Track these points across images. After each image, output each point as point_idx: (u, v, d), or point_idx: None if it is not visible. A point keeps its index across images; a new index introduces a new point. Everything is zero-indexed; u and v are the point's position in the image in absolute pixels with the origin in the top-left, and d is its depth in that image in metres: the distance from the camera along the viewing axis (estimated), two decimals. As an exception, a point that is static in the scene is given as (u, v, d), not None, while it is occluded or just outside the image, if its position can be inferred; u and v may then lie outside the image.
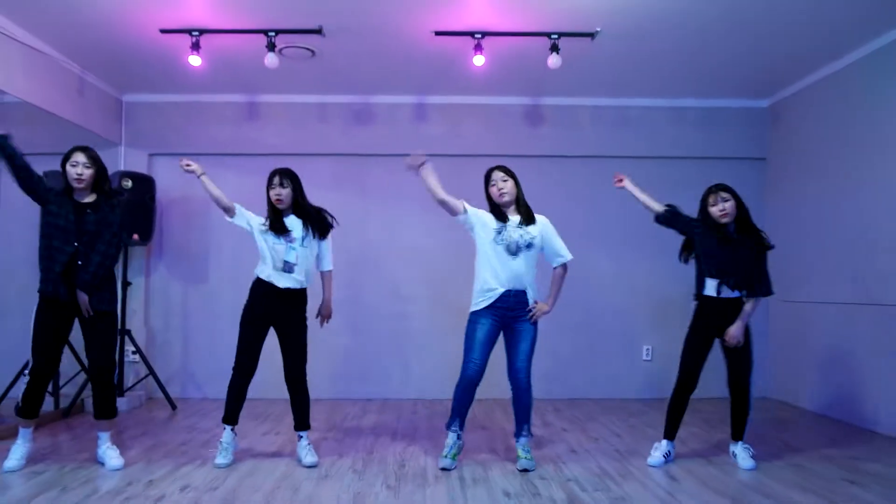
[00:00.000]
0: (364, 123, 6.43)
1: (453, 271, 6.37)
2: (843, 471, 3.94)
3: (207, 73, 5.76)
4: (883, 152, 5.04)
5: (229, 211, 4.18)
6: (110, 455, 3.92)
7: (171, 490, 3.49)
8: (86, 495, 3.39)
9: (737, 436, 4.14)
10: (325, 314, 4.29)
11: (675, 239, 6.27)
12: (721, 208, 4.06)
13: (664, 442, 4.17)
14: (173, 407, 5.79)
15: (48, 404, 5.42)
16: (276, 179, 4.10)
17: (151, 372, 5.84)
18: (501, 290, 3.93)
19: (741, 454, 4.08)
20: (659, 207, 4.43)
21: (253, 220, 4.16)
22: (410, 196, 6.41)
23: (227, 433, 4.07)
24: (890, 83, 4.98)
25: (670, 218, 4.37)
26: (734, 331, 3.98)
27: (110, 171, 5.92)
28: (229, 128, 6.42)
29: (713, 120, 6.50)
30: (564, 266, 4.12)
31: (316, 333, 4.30)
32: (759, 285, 4.02)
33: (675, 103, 6.48)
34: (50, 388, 5.49)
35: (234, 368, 4.09)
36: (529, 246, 3.95)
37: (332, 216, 4.26)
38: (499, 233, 3.97)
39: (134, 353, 6.02)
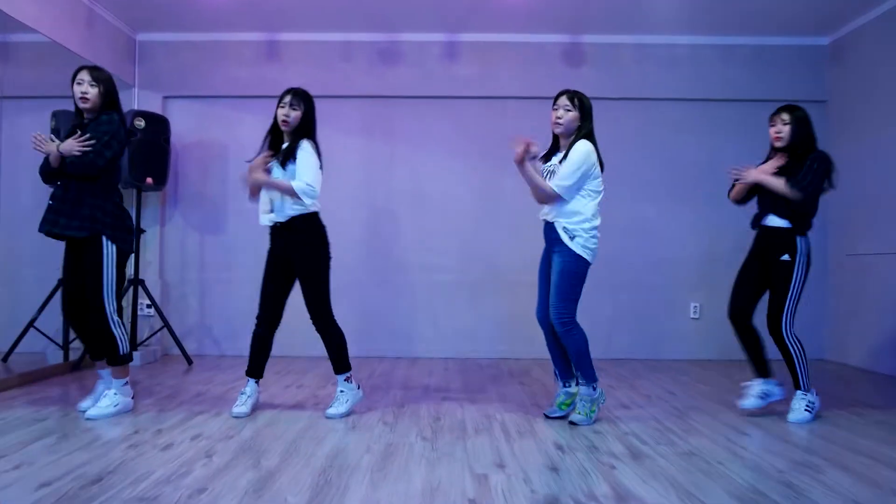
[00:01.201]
0: (391, 63, 5.96)
1: (485, 221, 5.95)
2: (935, 427, 3.47)
3: (225, 9, 5.35)
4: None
5: None
6: (103, 398, 3.55)
7: (182, 438, 3.10)
8: (87, 442, 3.01)
9: (794, 383, 3.69)
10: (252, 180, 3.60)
11: (724, 191, 5.80)
12: (777, 130, 3.69)
13: (756, 381, 3.75)
14: (189, 362, 5.42)
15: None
16: (288, 98, 3.60)
17: (166, 324, 5.46)
18: (543, 218, 3.58)
19: (792, 403, 3.65)
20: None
21: None
22: (440, 141, 5.99)
23: (249, 384, 3.69)
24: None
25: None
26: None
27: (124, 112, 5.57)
28: (249, 68, 5.98)
29: (768, 59, 5.95)
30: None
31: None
32: (797, 184, 3.54)
33: (725, 41, 5.94)
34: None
35: (255, 318, 3.70)
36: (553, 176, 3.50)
37: (313, 144, 3.62)
38: (544, 176, 3.56)
39: (148, 306, 5.66)
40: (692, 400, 4.15)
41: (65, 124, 5.17)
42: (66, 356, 5.12)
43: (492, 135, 5.97)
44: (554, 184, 3.41)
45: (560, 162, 3.48)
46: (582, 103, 3.54)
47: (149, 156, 5.36)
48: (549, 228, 3.53)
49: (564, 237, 3.44)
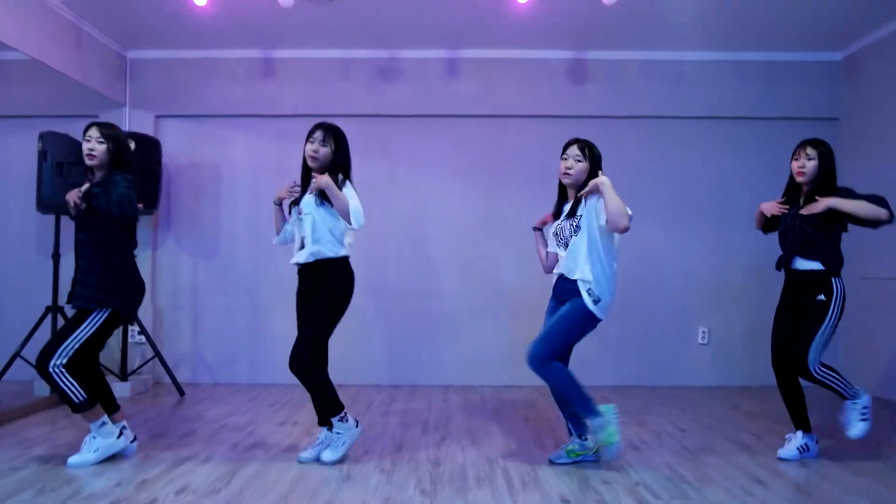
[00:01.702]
0: (390, 81, 5.81)
1: (487, 243, 5.80)
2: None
3: (218, 25, 5.20)
4: None
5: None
6: (84, 444, 3.40)
7: (166, 492, 2.94)
8: (66, 497, 2.85)
9: (841, 398, 3.59)
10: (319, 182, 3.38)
11: (734, 212, 5.64)
12: (800, 164, 3.54)
13: (798, 434, 3.61)
14: (181, 393, 5.25)
15: (44, 388, 4.97)
16: (318, 134, 3.47)
17: (157, 354, 5.30)
18: (557, 273, 3.51)
19: (848, 418, 3.57)
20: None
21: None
22: (440, 161, 5.84)
23: (323, 431, 3.55)
24: None
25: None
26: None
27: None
28: (243, 86, 5.82)
29: (779, 75, 5.79)
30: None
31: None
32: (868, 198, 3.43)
33: (735, 56, 5.77)
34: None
35: None
36: (577, 230, 3.36)
37: (350, 181, 3.51)
38: (557, 235, 3.49)
39: (139, 333, 5.50)
40: (704, 437, 3.99)
41: (52, 146, 5.06)
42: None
43: (494, 154, 5.83)
44: (620, 213, 3.19)
45: (568, 217, 3.40)
46: (592, 153, 3.43)
47: (140, 180, 5.18)
48: (566, 286, 3.40)
49: (586, 297, 3.32)
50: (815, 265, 3.50)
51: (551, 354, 3.32)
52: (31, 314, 5.13)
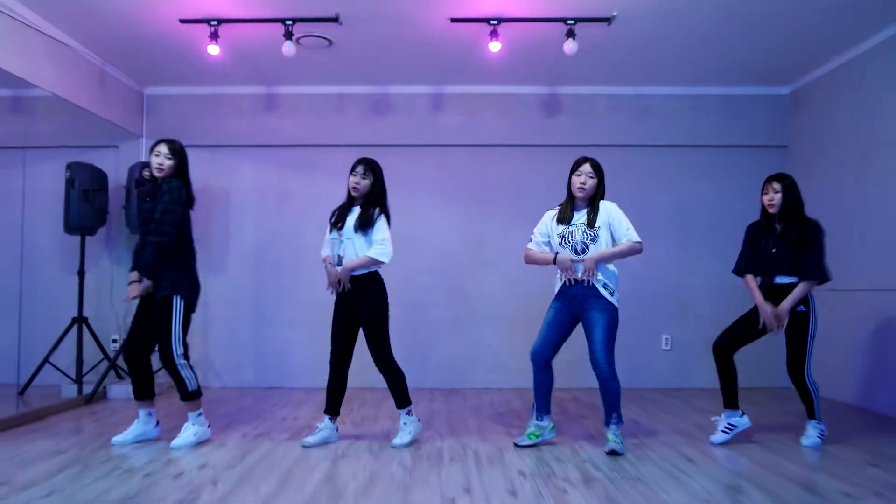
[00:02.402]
0: (382, 114, 6.48)
1: (474, 263, 6.43)
2: (868, 455, 3.91)
3: (226, 65, 5.85)
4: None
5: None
6: (184, 430, 4.08)
7: (191, 467, 3.56)
8: (107, 471, 3.46)
9: (809, 413, 4.20)
10: (341, 275, 4.09)
11: (695, 231, 6.27)
12: (769, 198, 4.18)
13: (723, 415, 4.22)
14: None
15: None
16: (359, 168, 4.14)
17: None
18: (566, 283, 4.03)
19: (807, 431, 4.18)
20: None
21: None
22: (428, 186, 6.48)
23: (325, 420, 4.19)
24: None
25: (742, 261, 4.38)
26: (776, 310, 4.08)
27: (130, 163, 6.07)
28: (248, 119, 6.50)
29: (733, 107, 6.48)
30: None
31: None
32: (806, 270, 4.07)
33: (694, 91, 6.47)
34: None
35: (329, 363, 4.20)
36: (595, 239, 3.98)
37: (385, 215, 4.21)
38: (563, 237, 4.03)
39: (155, 342, 6.12)
40: (653, 429, 4.61)
41: (79, 175, 5.69)
42: (79, 390, 5.57)
43: (477, 180, 6.48)
44: (629, 239, 3.97)
45: (586, 222, 3.97)
46: (601, 171, 4.08)
47: (156, 203, 5.85)
48: (581, 288, 3.97)
49: (605, 293, 3.96)
50: (793, 279, 4.12)
51: (614, 360, 3.98)
52: (57, 325, 5.75)
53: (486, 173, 6.51)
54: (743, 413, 4.24)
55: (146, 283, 3.96)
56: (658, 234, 6.42)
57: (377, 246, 4.06)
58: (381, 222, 4.11)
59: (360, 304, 4.10)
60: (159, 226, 3.91)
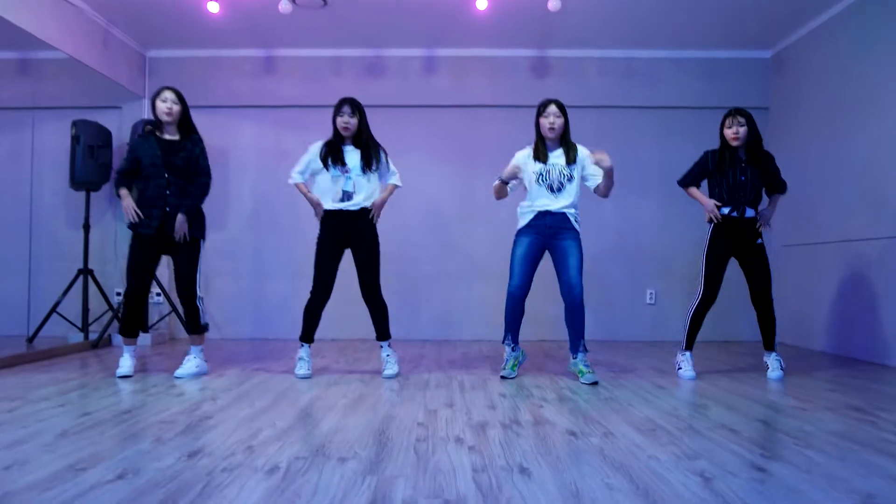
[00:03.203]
0: (376, 76, 6.68)
1: (463, 220, 6.64)
2: (829, 384, 4.14)
3: (226, 27, 6.03)
4: (887, 95, 5.12)
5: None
6: (183, 363, 4.31)
7: (191, 389, 3.79)
8: (115, 391, 3.70)
9: (768, 345, 4.43)
10: (375, 207, 4.41)
11: (678, 190, 6.46)
12: (734, 131, 4.33)
13: (688, 354, 4.43)
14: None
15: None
16: (347, 108, 4.32)
17: (174, 310, 6.17)
18: (538, 209, 4.21)
19: (772, 364, 4.39)
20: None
21: (312, 162, 4.40)
22: (420, 146, 6.67)
23: (304, 349, 4.38)
24: (890, 24, 5.10)
25: (690, 177, 4.61)
26: (767, 215, 4.42)
27: (135, 121, 6.28)
28: (248, 81, 6.70)
29: (716, 71, 6.66)
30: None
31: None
32: (780, 185, 4.43)
33: (679, 54, 6.65)
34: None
35: (311, 291, 4.36)
36: (570, 179, 4.23)
37: (384, 151, 4.51)
38: (540, 175, 4.23)
39: (158, 294, 6.35)
40: (632, 366, 4.83)
41: (84, 132, 5.89)
42: (85, 337, 5.80)
43: (466, 140, 6.68)
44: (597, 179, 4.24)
45: (565, 161, 4.23)
46: (565, 110, 4.30)
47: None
48: (554, 218, 4.20)
49: (574, 224, 4.24)
50: (753, 213, 4.36)
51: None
52: (64, 277, 5.97)
53: (476, 134, 6.70)
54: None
55: (182, 224, 4.21)
56: (643, 192, 6.64)
57: (395, 175, 4.53)
58: (384, 156, 4.46)
59: (360, 236, 4.35)
60: (207, 172, 4.37)
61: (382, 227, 6.63)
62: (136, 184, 4.33)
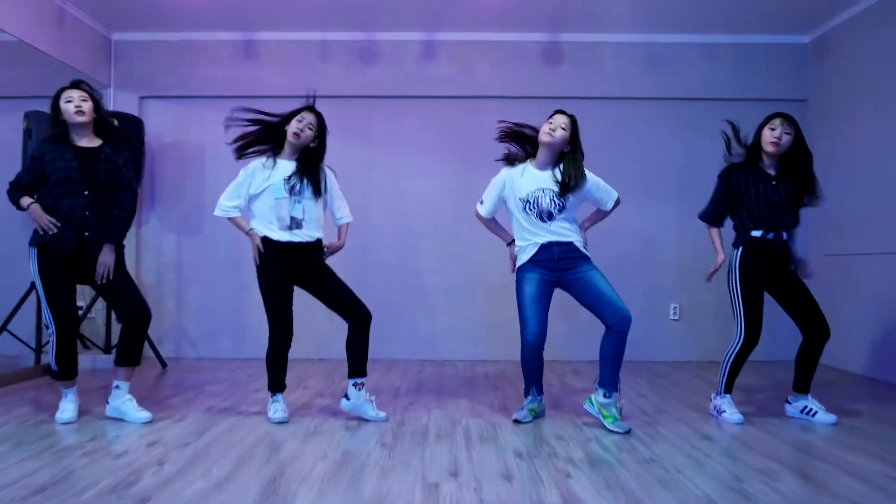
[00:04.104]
0: (369, 63, 5.94)
1: (463, 222, 5.87)
2: (902, 432, 3.45)
3: (199, 8, 5.33)
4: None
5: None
6: (131, 407, 3.53)
7: (137, 445, 3.07)
8: (41, 450, 2.98)
9: (805, 388, 3.75)
10: (331, 251, 3.78)
11: (704, 191, 5.72)
12: (777, 135, 3.61)
13: (727, 397, 3.75)
14: (163, 365, 5.39)
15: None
16: (310, 118, 3.67)
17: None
18: (540, 241, 3.54)
19: (819, 408, 3.69)
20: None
21: (252, 186, 3.64)
22: (418, 142, 5.98)
23: (277, 396, 3.66)
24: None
25: (714, 210, 3.91)
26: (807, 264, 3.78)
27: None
28: (225, 68, 5.95)
29: (748, 57, 5.92)
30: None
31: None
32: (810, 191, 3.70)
33: (705, 39, 5.91)
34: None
35: (270, 336, 3.63)
36: (562, 209, 3.54)
37: (334, 172, 3.81)
38: (527, 203, 3.56)
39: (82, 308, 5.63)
40: (663, 403, 4.14)
41: (36, 125, 5.15)
42: (37, 359, 5.09)
43: (470, 135, 5.94)
44: (613, 196, 3.71)
45: (558, 190, 3.52)
46: (577, 129, 3.57)
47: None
48: (562, 248, 3.53)
49: (583, 250, 3.57)
50: (787, 236, 3.67)
51: None
52: (16, 290, 5.24)
53: (480, 128, 5.84)
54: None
55: (109, 258, 3.50)
56: (666, 194, 5.93)
57: (345, 207, 3.86)
58: (337, 185, 3.82)
59: (314, 269, 3.67)
60: (132, 187, 3.63)
61: (376, 233, 6.00)
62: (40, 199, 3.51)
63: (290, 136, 3.61)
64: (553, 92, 5.87)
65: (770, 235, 3.64)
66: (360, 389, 3.65)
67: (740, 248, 3.71)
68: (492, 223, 3.82)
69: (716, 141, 5.80)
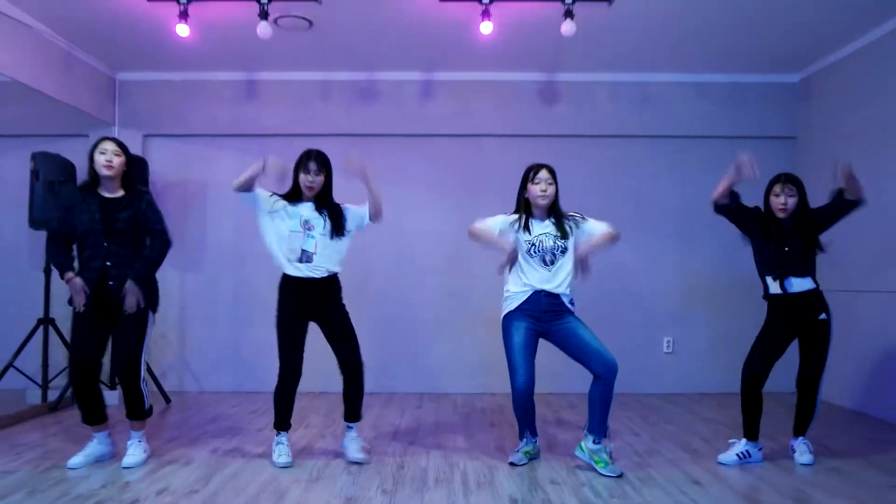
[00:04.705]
0: (369, 102, 6.10)
1: (463, 258, 6.05)
2: (888, 476, 3.58)
3: (201, 49, 5.47)
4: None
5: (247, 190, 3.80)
6: (129, 451, 3.72)
7: (148, 493, 3.21)
8: (54, 498, 3.11)
9: (799, 430, 3.86)
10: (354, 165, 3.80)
11: (697, 227, 5.85)
12: (783, 202, 3.77)
13: (742, 441, 3.85)
14: (167, 401, 5.52)
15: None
16: (312, 166, 3.77)
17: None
18: (530, 290, 3.69)
19: (800, 448, 3.83)
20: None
21: (277, 203, 3.81)
22: (418, 178, 6.13)
23: (281, 436, 3.81)
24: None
25: (732, 208, 3.93)
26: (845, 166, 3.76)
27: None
28: (227, 107, 6.11)
29: (740, 96, 6.10)
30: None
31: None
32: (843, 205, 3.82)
33: (698, 78, 6.09)
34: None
35: (279, 374, 3.77)
36: (565, 251, 3.71)
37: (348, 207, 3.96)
38: (532, 245, 3.71)
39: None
40: (655, 443, 4.26)
41: (44, 166, 5.28)
42: (44, 396, 5.21)
43: (468, 172, 6.12)
44: (607, 226, 3.78)
45: (559, 233, 3.69)
46: (556, 177, 3.74)
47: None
48: (551, 300, 3.67)
49: (570, 306, 3.73)
50: (809, 283, 3.78)
51: None
52: (22, 326, 5.36)
53: (478, 165, 6.13)
54: (761, 448, 3.87)
55: (135, 292, 3.62)
56: (660, 229, 6.09)
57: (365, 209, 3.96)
58: (353, 208, 3.98)
59: (327, 307, 3.82)
60: (164, 231, 3.81)
61: (375, 268, 6.13)
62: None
63: (304, 190, 3.79)
64: (549, 130, 6.06)
65: (782, 287, 3.77)
66: (350, 430, 3.87)
67: (767, 303, 3.89)
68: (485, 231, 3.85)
69: (708, 177, 6.00)
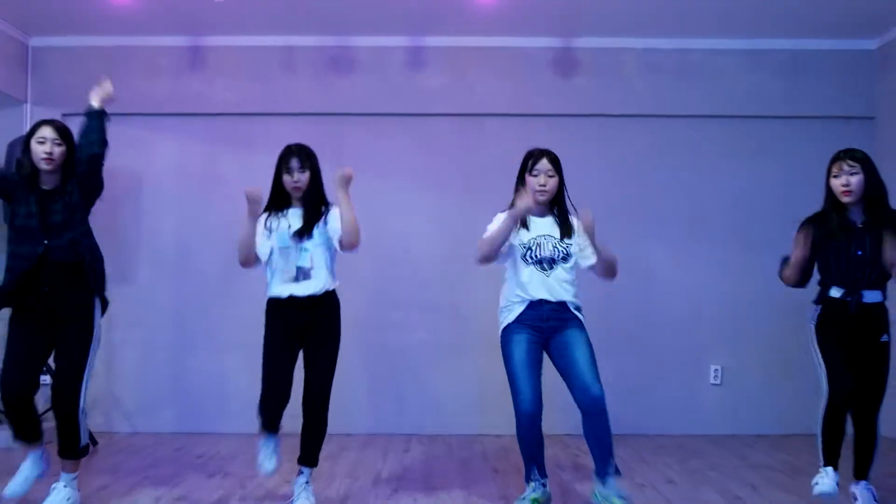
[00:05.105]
0: (342, 73, 6.47)
1: (462, 267, 6.34)
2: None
3: (137, 7, 5.75)
4: None
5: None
6: (54, 492, 4.01)
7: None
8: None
9: (861, 473, 4.14)
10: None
11: (752, 228, 6.13)
12: (844, 182, 4.01)
13: (829, 469, 4.03)
14: (93, 443, 5.86)
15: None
16: (294, 162, 4.15)
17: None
18: (532, 298, 4.06)
19: (863, 496, 4.10)
20: None
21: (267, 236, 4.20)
22: (403, 167, 6.48)
23: (268, 438, 4.19)
24: None
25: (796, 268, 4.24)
26: None
27: (12, 135, 6.05)
28: (167, 80, 6.49)
29: (803, 67, 6.48)
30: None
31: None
32: None
33: (751, 45, 6.47)
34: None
35: (259, 399, 4.16)
36: (567, 258, 4.09)
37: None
38: (528, 249, 4.09)
39: (45, 372, 6.11)
40: (693, 490, 4.63)
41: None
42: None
43: (466, 159, 6.47)
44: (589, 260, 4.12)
45: (559, 235, 4.08)
46: (560, 167, 4.13)
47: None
48: (552, 308, 4.06)
49: (576, 312, 4.10)
50: (878, 296, 4.05)
51: None
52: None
53: (480, 151, 6.48)
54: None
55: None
56: (705, 231, 6.45)
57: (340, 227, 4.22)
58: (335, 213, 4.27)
59: (321, 331, 4.17)
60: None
61: (352, 280, 6.43)
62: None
63: (290, 192, 4.18)
64: (566, 108, 6.44)
65: (849, 298, 4.01)
66: (302, 475, 4.21)
67: (819, 308, 4.15)
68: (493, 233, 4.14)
69: (764, 165, 6.40)
